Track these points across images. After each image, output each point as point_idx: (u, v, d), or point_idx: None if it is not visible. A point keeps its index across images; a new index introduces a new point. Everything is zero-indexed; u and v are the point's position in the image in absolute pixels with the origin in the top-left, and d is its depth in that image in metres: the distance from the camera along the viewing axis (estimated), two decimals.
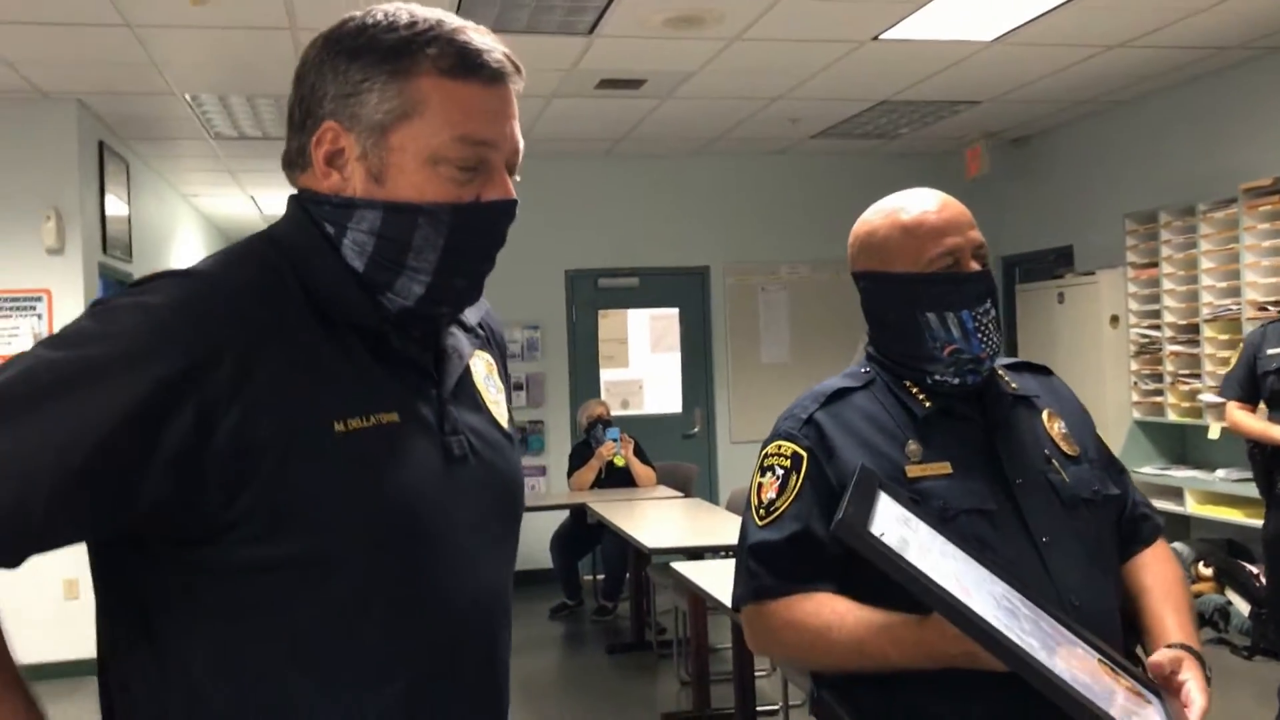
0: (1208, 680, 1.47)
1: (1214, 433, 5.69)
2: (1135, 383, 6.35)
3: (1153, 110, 6.44)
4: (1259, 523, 4.26)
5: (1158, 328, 6.18)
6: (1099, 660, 1.39)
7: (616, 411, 7.28)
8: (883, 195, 1.71)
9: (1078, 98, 6.45)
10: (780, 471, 1.59)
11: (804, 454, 1.58)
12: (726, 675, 4.52)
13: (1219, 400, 5.43)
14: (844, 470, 1.53)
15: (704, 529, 5.18)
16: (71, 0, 4.32)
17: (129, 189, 6.76)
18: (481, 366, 1.26)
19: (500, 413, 1.25)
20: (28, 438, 0.96)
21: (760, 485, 1.61)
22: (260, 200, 8.99)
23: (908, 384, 1.64)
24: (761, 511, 1.59)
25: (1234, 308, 5.63)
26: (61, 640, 4.57)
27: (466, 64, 1.09)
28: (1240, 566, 5.59)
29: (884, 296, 1.65)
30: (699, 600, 4.36)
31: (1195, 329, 5.90)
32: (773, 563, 1.55)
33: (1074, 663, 1.33)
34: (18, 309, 5.65)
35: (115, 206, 6.39)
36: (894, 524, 1.38)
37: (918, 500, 1.51)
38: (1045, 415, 1.68)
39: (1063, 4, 4.72)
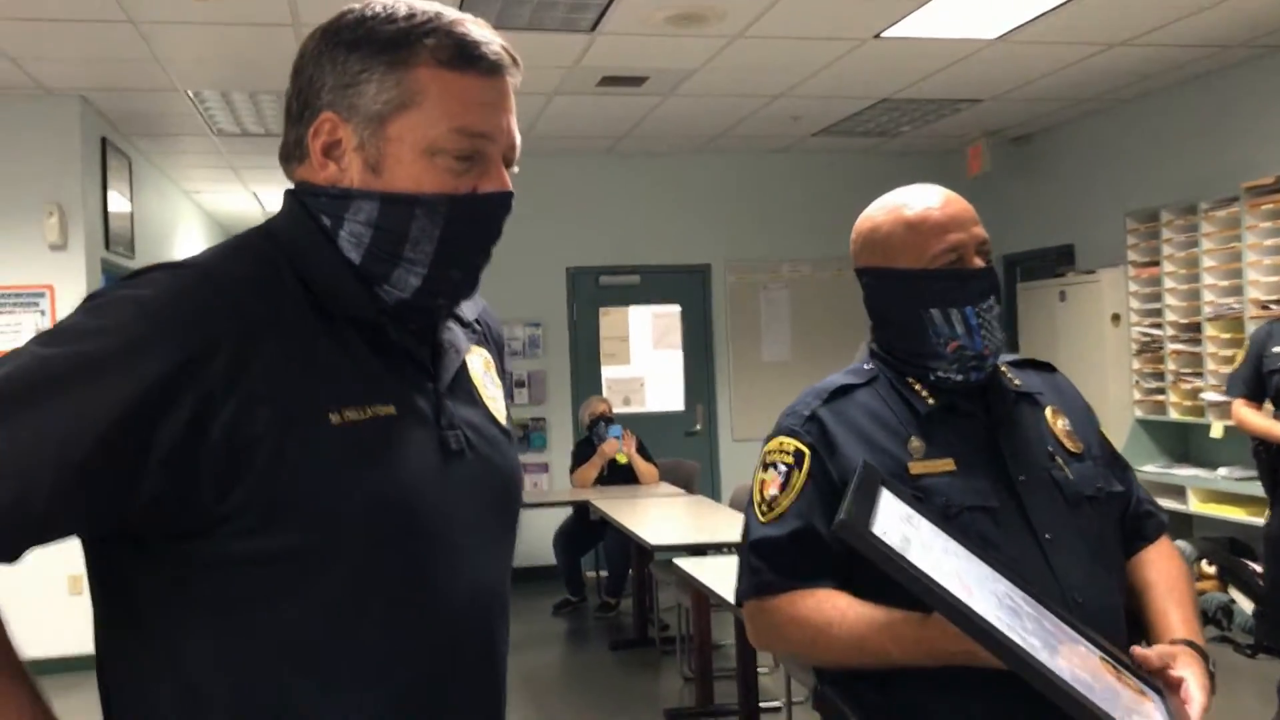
0: (1211, 676, 1.47)
1: (1216, 431, 5.69)
2: (1137, 381, 6.35)
3: (1155, 109, 6.44)
4: (1261, 521, 4.27)
5: (1159, 326, 6.18)
6: (1101, 658, 1.39)
7: (618, 409, 7.28)
8: (884, 193, 1.70)
9: (1079, 96, 6.44)
10: (783, 468, 1.59)
11: (806, 451, 1.58)
12: (729, 672, 4.52)
13: (1221, 399, 5.43)
14: (846, 467, 1.53)
15: (706, 526, 5.18)
16: None
17: (131, 185, 6.77)
18: (479, 363, 1.26)
19: (498, 409, 1.25)
20: (25, 436, 0.96)
21: (763, 482, 1.61)
22: (263, 197, 9.00)
23: (911, 381, 1.63)
24: (764, 508, 1.59)
25: (1236, 306, 5.63)
26: (65, 635, 4.57)
27: (465, 55, 1.09)
28: (1243, 564, 5.59)
29: (887, 292, 1.65)
30: (702, 597, 4.36)
31: (1197, 328, 5.89)
32: (774, 559, 1.56)
33: (1075, 661, 1.33)
34: (20, 304, 5.65)
35: (118, 203, 6.40)
36: (896, 522, 1.38)
37: (920, 497, 1.51)
38: (1049, 412, 1.68)
39: (1064, 2, 4.72)
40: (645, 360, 8.08)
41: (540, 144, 7.25)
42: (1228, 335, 5.68)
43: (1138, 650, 1.45)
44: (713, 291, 8.00)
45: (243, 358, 1.01)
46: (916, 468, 1.56)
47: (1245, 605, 5.43)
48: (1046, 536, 1.55)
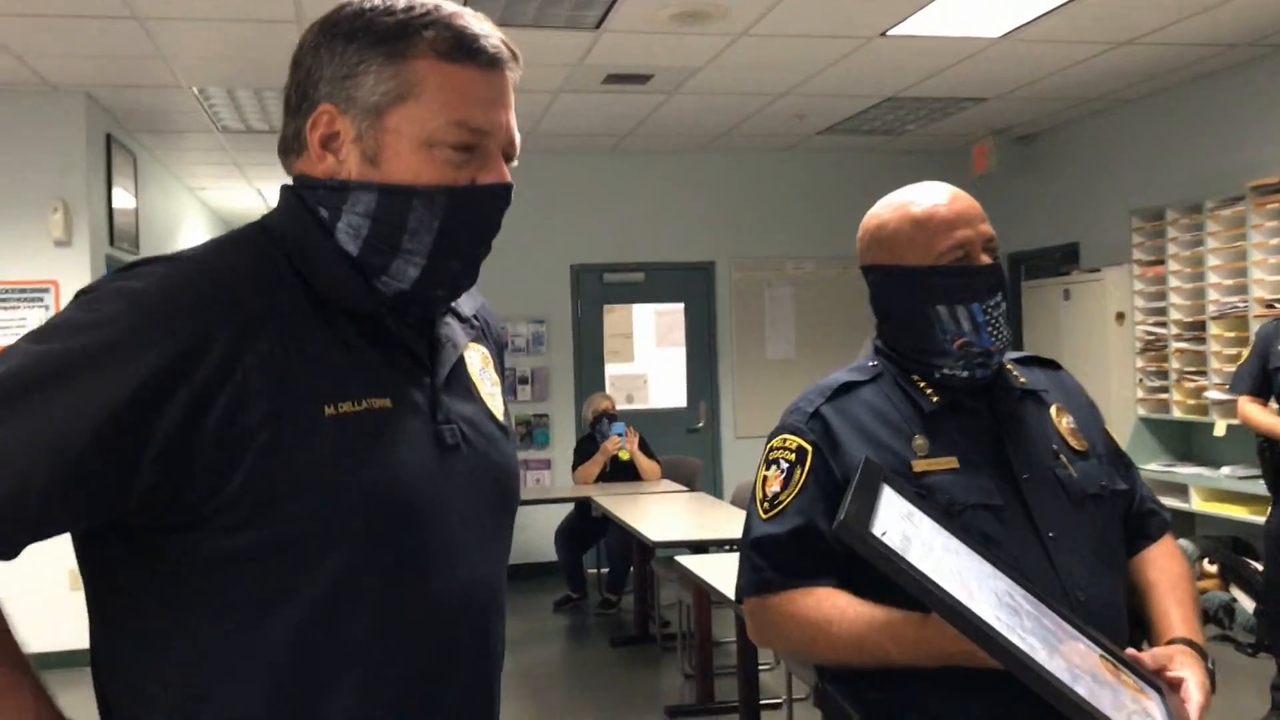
0: (1211, 674, 1.47)
1: (1219, 430, 5.69)
2: (1140, 380, 6.35)
3: (1160, 108, 6.43)
4: (1264, 519, 4.26)
5: (1164, 325, 6.18)
6: (1100, 656, 1.40)
7: (621, 406, 7.29)
8: (889, 192, 1.70)
9: (1085, 95, 6.44)
10: (785, 465, 1.59)
11: (809, 448, 1.58)
12: (730, 669, 4.53)
13: (1225, 397, 5.43)
14: (849, 464, 1.53)
15: (708, 523, 5.19)
16: None
17: (136, 181, 6.78)
18: (477, 359, 1.25)
19: (496, 405, 1.25)
20: (20, 433, 0.96)
21: (765, 478, 1.61)
22: (267, 194, 9.01)
23: (915, 378, 1.63)
24: (766, 505, 1.59)
25: (1240, 305, 5.62)
26: (66, 630, 4.58)
27: (463, 48, 1.09)
28: (1245, 563, 5.58)
29: (893, 289, 1.65)
30: (703, 594, 4.37)
31: (1201, 326, 5.89)
32: (775, 556, 1.56)
33: (1075, 659, 1.33)
34: (25, 300, 5.66)
35: (122, 199, 6.40)
36: (897, 520, 1.38)
37: (923, 495, 1.51)
38: (1053, 410, 1.68)
39: (1069, 1, 4.71)
40: (648, 357, 8.08)
41: (545, 142, 7.25)
42: (1232, 334, 5.67)
43: (1133, 653, 1.46)
44: (717, 289, 8.00)
45: (237, 350, 1.01)
46: (920, 465, 1.55)
47: (1247, 604, 5.42)
48: (1050, 535, 1.55)
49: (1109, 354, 6.44)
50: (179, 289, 1.02)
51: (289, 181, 1.16)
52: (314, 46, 1.11)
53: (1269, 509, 4.12)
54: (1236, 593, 5.57)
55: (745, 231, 7.97)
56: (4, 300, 5.65)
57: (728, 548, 4.55)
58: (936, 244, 1.59)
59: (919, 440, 1.58)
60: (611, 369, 7.96)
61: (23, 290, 5.67)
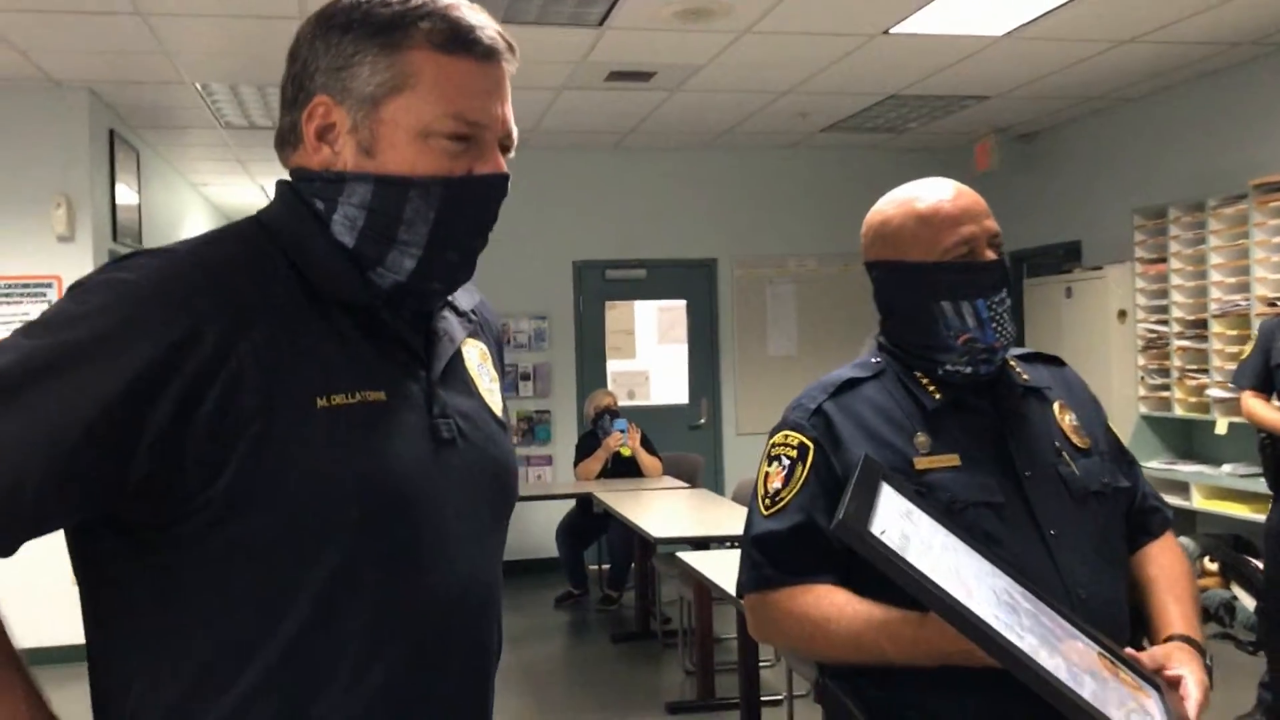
0: (1209, 671, 1.48)
1: (1221, 428, 5.69)
2: (1142, 377, 6.35)
3: (1162, 106, 6.42)
4: (1265, 517, 4.25)
5: (1165, 323, 6.17)
6: (1099, 654, 1.40)
7: (623, 402, 7.29)
8: (891, 190, 1.70)
9: (1087, 93, 6.43)
10: (786, 462, 1.59)
11: (810, 445, 1.58)
12: (731, 665, 4.54)
13: (1227, 395, 5.43)
14: (850, 462, 1.53)
15: (709, 519, 5.19)
16: None
17: (139, 177, 6.78)
18: (475, 354, 1.25)
19: (494, 401, 1.24)
20: (14, 428, 0.96)
21: (767, 475, 1.61)
22: (270, 190, 8.92)
23: (918, 375, 1.63)
24: (767, 501, 1.59)
25: (1243, 303, 5.62)
26: (68, 624, 4.59)
27: (459, 39, 1.09)
28: (1246, 561, 5.59)
29: (898, 285, 1.64)
30: (704, 590, 4.37)
31: (1203, 324, 5.89)
32: (776, 553, 1.56)
33: (1074, 657, 1.33)
34: (28, 295, 5.67)
35: (125, 195, 6.41)
36: (895, 519, 1.38)
37: (922, 493, 1.51)
38: (1056, 407, 1.68)
39: None
40: (650, 354, 8.09)
41: (548, 138, 7.25)
42: (1234, 332, 5.67)
43: (1131, 652, 1.46)
44: (719, 286, 8.00)
45: (229, 341, 1.01)
46: (922, 463, 1.56)
47: (1248, 602, 5.42)
48: (1051, 532, 1.55)
49: (1110, 352, 6.44)
50: (171, 280, 1.02)
51: (283, 176, 1.16)
52: (310, 38, 1.11)
53: (1270, 507, 4.11)
54: (1237, 591, 5.58)
55: (747, 229, 7.97)
56: (7, 295, 5.66)
57: (729, 544, 4.56)
58: (941, 240, 1.59)
59: (921, 437, 1.58)
60: (613, 365, 7.96)
61: (25, 285, 5.68)
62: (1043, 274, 7.27)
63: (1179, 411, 6.09)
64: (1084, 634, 1.42)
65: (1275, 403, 4.09)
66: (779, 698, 4.36)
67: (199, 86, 5.78)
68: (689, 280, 8.00)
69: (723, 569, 3.78)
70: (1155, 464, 6.12)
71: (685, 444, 7.53)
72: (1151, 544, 1.69)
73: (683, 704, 4.79)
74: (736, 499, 5.58)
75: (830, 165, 7.98)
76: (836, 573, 1.52)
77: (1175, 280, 6.10)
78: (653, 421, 7.29)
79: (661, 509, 5.55)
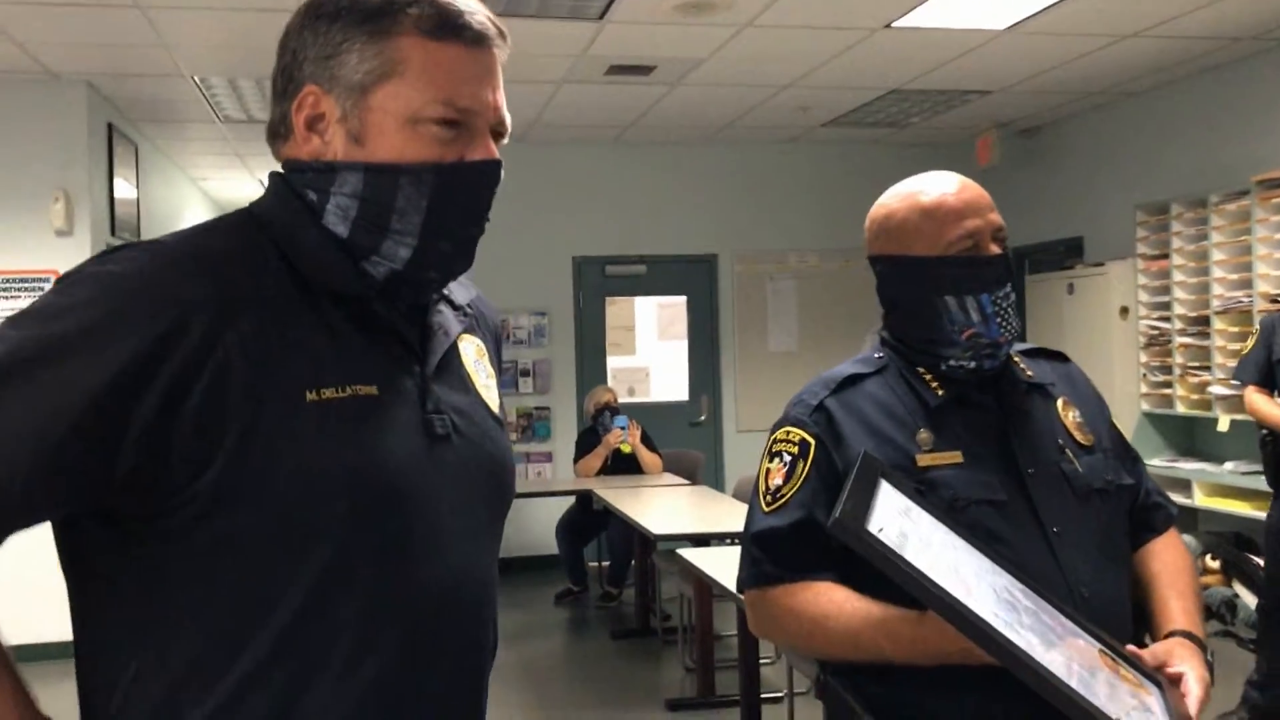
0: (1210, 667, 1.47)
1: (1223, 425, 5.68)
2: (1144, 374, 6.34)
3: (1165, 101, 6.41)
4: (1266, 515, 4.24)
5: (1167, 319, 6.16)
6: (1100, 651, 1.39)
7: (623, 399, 7.28)
8: (891, 186, 1.69)
9: (1089, 88, 6.42)
10: (788, 458, 1.59)
11: (812, 441, 1.58)
12: (731, 662, 4.53)
13: (1229, 392, 5.41)
14: (852, 458, 1.52)
15: (710, 516, 5.19)
16: None
17: (137, 171, 6.77)
18: (472, 350, 1.24)
19: (491, 397, 1.23)
20: (2, 419, 0.95)
21: (768, 471, 1.61)
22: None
23: (921, 371, 1.62)
24: (768, 498, 1.59)
25: (1245, 300, 5.61)
26: (61, 620, 4.59)
27: (448, 25, 1.08)
28: (1247, 559, 5.58)
29: (901, 280, 1.63)
30: (704, 587, 4.36)
31: (1205, 321, 5.88)
32: (776, 550, 1.55)
33: (1074, 654, 1.33)
34: (26, 289, 5.66)
35: (123, 189, 6.40)
36: (894, 516, 1.37)
37: (923, 490, 1.51)
38: (1060, 404, 1.67)
39: None
40: (650, 350, 8.08)
41: (547, 132, 7.24)
42: (1236, 329, 5.66)
43: (1132, 649, 1.45)
44: (719, 282, 7.99)
45: (217, 333, 1.00)
46: (924, 460, 1.55)
47: (1249, 600, 5.41)
48: (1054, 530, 1.54)
49: (1112, 348, 6.43)
50: (158, 274, 1.01)
51: (275, 169, 1.15)
52: (298, 29, 1.11)
53: (1270, 504, 4.10)
54: (1239, 588, 5.57)
55: (748, 224, 7.95)
56: (5, 289, 5.65)
57: (729, 541, 4.55)
58: (945, 234, 1.57)
59: (923, 434, 1.57)
60: (613, 362, 7.95)
61: (24, 280, 5.67)
62: (1044, 270, 7.26)
63: (1181, 409, 6.08)
64: (1085, 631, 1.42)
65: (1278, 399, 4.08)
66: (779, 695, 4.35)
67: (197, 80, 5.76)
68: (689, 276, 7.98)
69: (723, 566, 3.77)
70: (1157, 461, 6.11)
71: (685, 440, 7.52)
72: (1155, 540, 1.69)
73: (683, 701, 4.78)
74: (737, 496, 5.57)
75: (831, 160, 7.96)
76: (837, 570, 1.52)
77: (1177, 276, 6.09)
78: (653, 418, 7.28)
79: (661, 506, 5.55)
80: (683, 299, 8.02)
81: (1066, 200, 7.25)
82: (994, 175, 7.16)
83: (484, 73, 1.10)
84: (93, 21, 4.80)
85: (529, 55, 5.34)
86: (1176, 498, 5.81)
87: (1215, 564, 5.72)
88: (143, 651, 1.03)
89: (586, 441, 6.84)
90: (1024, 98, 6.63)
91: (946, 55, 5.65)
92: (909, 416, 1.59)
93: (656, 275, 7.92)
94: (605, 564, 6.82)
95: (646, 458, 6.69)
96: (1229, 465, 5.73)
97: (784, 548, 1.54)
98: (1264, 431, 4.09)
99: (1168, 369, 6.17)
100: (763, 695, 4.17)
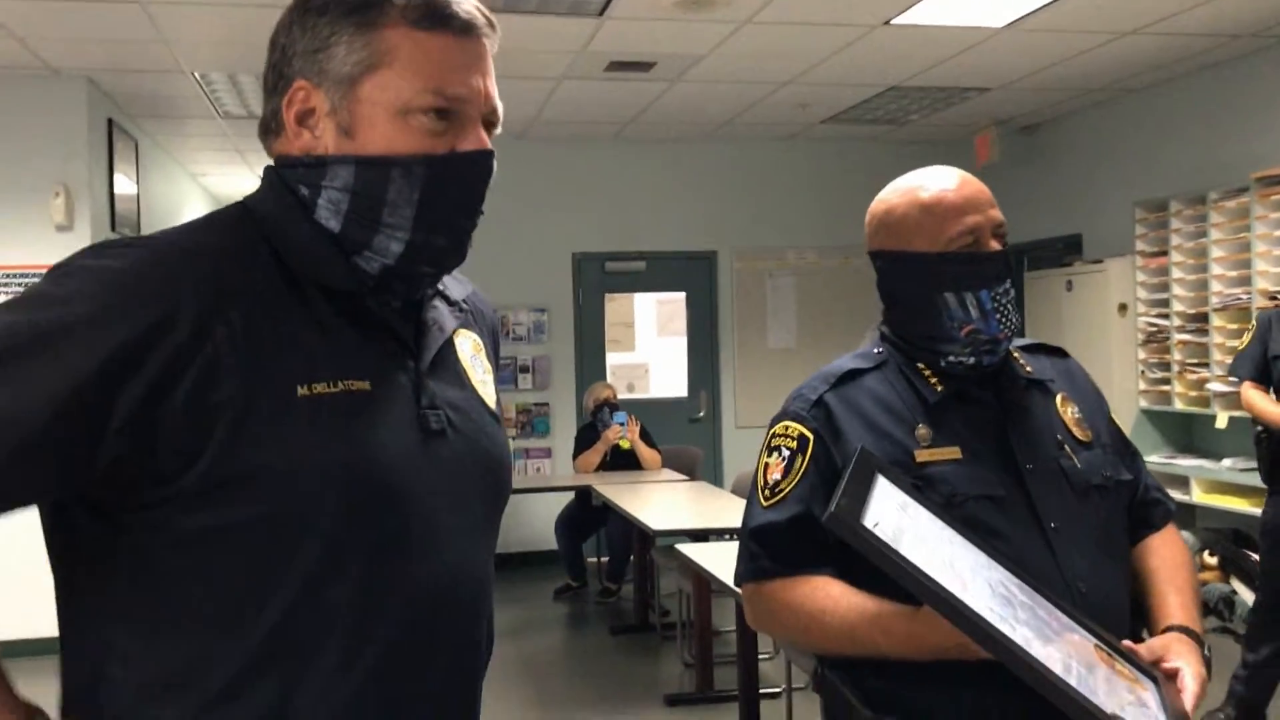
0: (1208, 663, 1.47)
1: (1221, 422, 5.68)
2: (1142, 371, 6.34)
3: (1164, 98, 6.41)
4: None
5: (1166, 316, 6.17)
6: (1096, 646, 1.39)
7: (622, 395, 7.29)
8: (890, 183, 1.69)
9: (1089, 85, 6.42)
10: (786, 453, 1.59)
11: (810, 436, 1.58)
12: (730, 658, 4.53)
13: (1227, 389, 5.42)
14: (850, 453, 1.52)
15: (709, 512, 5.19)
16: None
17: (138, 167, 6.77)
18: (468, 346, 1.24)
19: (487, 393, 1.23)
20: None
21: (767, 465, 1.61)
22: None
23: (920, 367, 1.63)
24: (766, 492, 1.59)
25: (1244, 297, 5.61)
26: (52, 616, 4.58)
27: (435, 15, 1.08)
28: (1245, 555, 5.58)
29: (901, 276, 1.63)
30: (703, 582, 4.37)
31: (1204, 318, 5.88)
32: (773, 544, 1.56)
33: (1070, 650, 1.33)
34: (26, 284, 5.65)
35: (124, 185, 6.40)
36: (891, 511, 1.37)
37: (919, 486, 1.51)
38: (1059, 399, 1.67)
39: None
40: (650, 347, 8.08)
41: (547, 129, 7.23)
42: (1235, 326, 5.66)
43: (1129, 644, 1.46)
44: (718, 278, 7.99)
45: (207, 328, 1.00)
46: (923, 455, 1.55)
47: (1247, 596, 5.42)
48: (1052, 525, 1.54)
49: (1111, 345, 6.43)
50: (151, 268, 1.01)
51: (269, 163, 1.15)
52: (288, 25, 1.12)
53: (1265, 500, 4.11)
54: (1237, 585, 5.57)
55: (747, 221, 7.95)
56: (5, 285, 5.65)
57: (728, 536, 4.55)
58: (945, 230, 1.57)
59: (922, 430, 1.57)
60: (612, 358, 7.96)
61: (24, 275, 5.67)
62: (1043, 267, 7.26)
63: (1179, 405, 6.08)
64: (1081, 626, 1.42)
65: (1271, 395, 4.08)
66: (778, 690, 4.36)
67: (197, 76, 5.76)
68: (688, 272, 7.99)
69: (722, 561, 3.77)
70: (1155, 458, 6.12)
71: (684, 437, 7.53)
72: (1153, 536, 1.69)
73: (681, 696, 4.79)
74: (736, 491, 5.57)
75: (830, 157, 7.96)
76: (835, 565, 1.52)
77: (1176, 274, 6.09)
78: (652, 414, 7.29)
79: (660, 501, 5.55)
80: (682, 295, 8.02)
81: (1065, 197, 7.26)
82: (993, 172, 7.17)
83: (473, 60, 1.10)
84: (93, 17, 4.80)
85: (529, 51, 5.34)
86: (1175, 494, 5.77)
87: (1213, 560, 5.73)
88: (130, 642, 1.03)
89: (586, 437, 6.84)
90: (1023, 95, 6.63)
91: (946, 52, 5.65)
92: (908, 412, 1.59)
93: (656, 272, 7.92)
94: (604, 559, 6.83)
95: (645, 454, 6.69)
96: (1227, 462, 5.74)
97: (782, 542, 1.55)
98: (1259, 428, 4.09)
99: (1166, 366, 6.18)
100: (761, 690, 4.17)
